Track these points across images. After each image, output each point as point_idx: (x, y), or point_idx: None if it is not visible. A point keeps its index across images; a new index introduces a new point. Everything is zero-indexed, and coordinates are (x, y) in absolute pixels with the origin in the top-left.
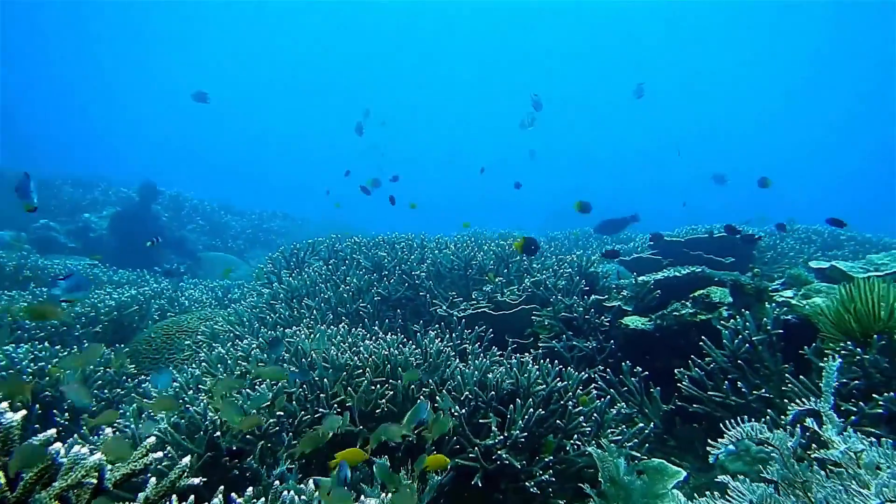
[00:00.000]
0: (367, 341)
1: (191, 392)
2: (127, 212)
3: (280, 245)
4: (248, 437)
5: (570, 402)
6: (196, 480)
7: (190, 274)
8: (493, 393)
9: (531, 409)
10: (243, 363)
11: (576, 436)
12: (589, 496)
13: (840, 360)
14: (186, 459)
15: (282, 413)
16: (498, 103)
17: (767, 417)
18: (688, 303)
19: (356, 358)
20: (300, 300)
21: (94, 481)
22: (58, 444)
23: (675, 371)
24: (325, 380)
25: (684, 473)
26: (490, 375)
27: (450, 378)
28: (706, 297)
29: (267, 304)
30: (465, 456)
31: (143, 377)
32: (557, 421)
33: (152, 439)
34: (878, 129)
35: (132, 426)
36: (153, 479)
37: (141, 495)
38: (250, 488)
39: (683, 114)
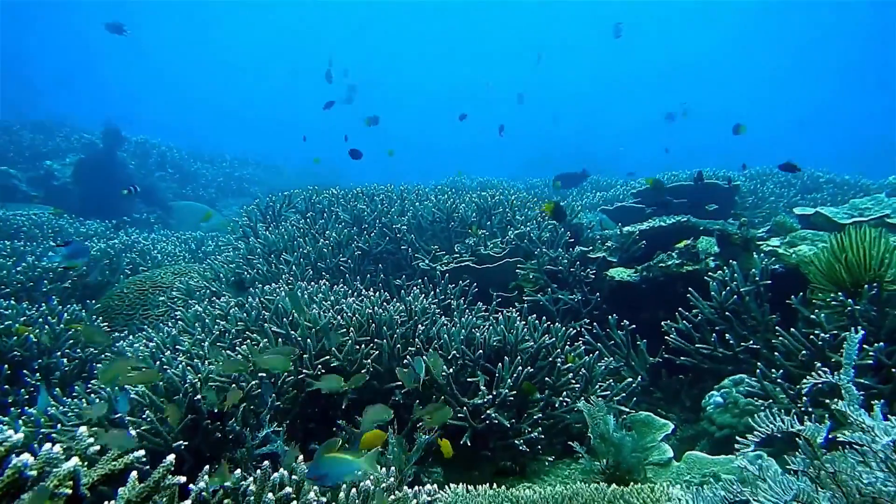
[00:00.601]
0: (349, 299)
1: (168, 353)
2: (91, 159)
3: (253, 193)
4: None
5: (559, 359)
6: (182, 478)
7: (161, 224)
8: (480, 351)
9: (519, 367)
10: (222, 322)
11: (565, 392)
12: (577, 452)
13: (862, 332)
14: (171, 457)
15: (264, 374)
16: (485, 46)
17: (759, 371)
18: (674, 253)
19: (339, 317)
20: (278, 255)
21: (69, 491)
22: (25, 456)
23: (662, 323)
24: (309, 340)
25: (672, 426)
26: (477, 333)
27: (436, 337)
28: (692, 248)
29: (244, 258)
30: (453, 415)
31: (116, 334)
32: (546, 378)
33: (132, 431)
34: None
35: (107, 389)
36: (134, 473)
37: (121, 490)
38: (238, 470)
39: (665, 56)
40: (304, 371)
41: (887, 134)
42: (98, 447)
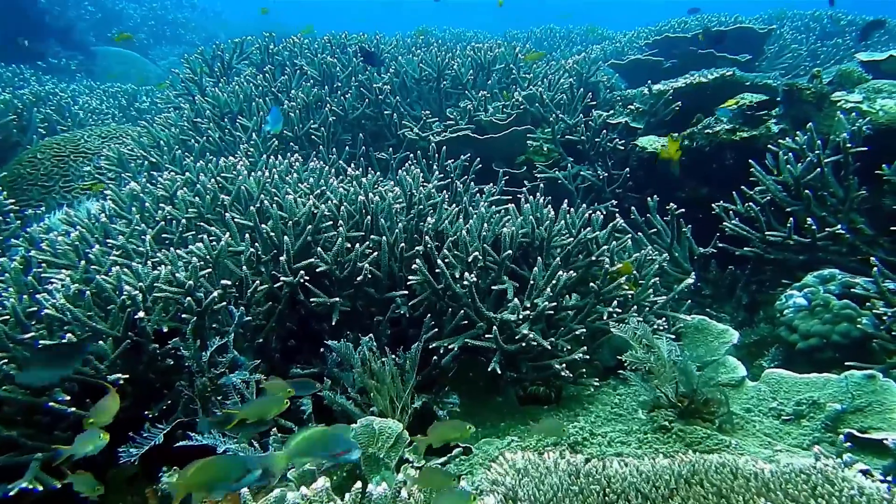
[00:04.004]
0: (332, 181)
1: (97, 248)
2: None
3: (192, 42)
4: (183, 315)
5: (605, 258)
6: None
7: (84, 72)
8: (508, 251)
9: (559, 272)
10: (166, 207)
11: (615, 302)
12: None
13: None
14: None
15: (228, 282)
16: None
17: (875, 269)
18: (722, 116)
19: (323, 205)
20: (233, 120)
21: None
22: None
23: (715, 206)
24: (286, 236)
25: (735, 333)
26: (503, 227)
27: (450, 233)
28: (749, 108)
29: (189, 122)
30: (476, 333)
31: (29, 211)
32: (591, 284)
33: None
34: None
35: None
36: None
37: None
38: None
39: None
40: (281, 278)
41: None
42: None
